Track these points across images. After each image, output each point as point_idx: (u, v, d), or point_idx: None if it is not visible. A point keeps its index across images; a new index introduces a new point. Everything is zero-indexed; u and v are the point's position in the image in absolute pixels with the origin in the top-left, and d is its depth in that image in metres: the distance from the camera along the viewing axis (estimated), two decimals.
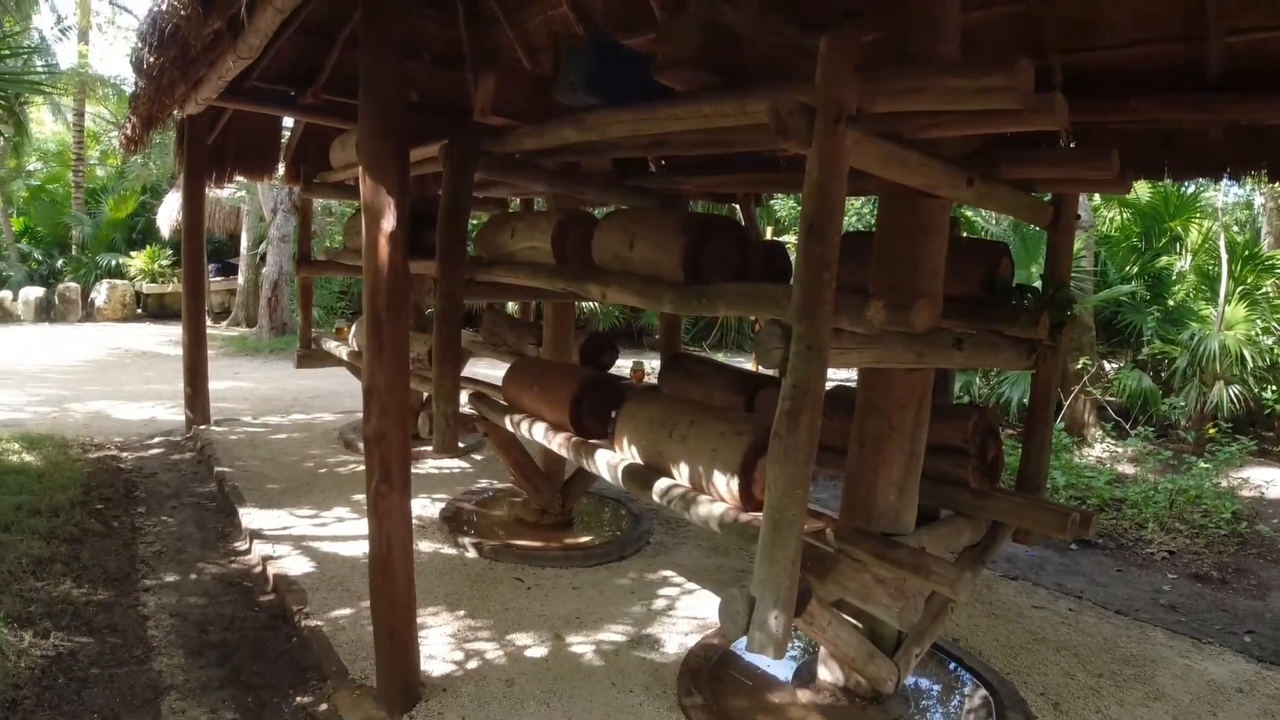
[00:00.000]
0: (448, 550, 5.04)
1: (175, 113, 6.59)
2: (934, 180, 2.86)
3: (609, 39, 3.56)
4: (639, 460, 3.43)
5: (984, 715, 3.61)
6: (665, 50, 3.04)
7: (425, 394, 5.50)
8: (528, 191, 5.90)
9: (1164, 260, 10.65)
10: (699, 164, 4.56)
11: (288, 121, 8.66)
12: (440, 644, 3.87)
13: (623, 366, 6.61)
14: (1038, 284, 4.07)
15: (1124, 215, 11.16)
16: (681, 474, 3.17)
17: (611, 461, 3.50)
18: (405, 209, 3.06)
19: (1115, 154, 3.11)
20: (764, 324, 2.52)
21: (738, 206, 6.20)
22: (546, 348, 5.19)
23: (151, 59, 4.06)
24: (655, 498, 3.18)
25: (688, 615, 4.34)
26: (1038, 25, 3.86)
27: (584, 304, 13.34)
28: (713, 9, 3.01)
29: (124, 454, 7.02)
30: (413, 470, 6.61)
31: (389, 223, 3.01)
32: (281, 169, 8.77)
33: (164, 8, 3.49)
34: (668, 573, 4.91)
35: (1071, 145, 4.12)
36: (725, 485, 2.94)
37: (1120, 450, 8.92)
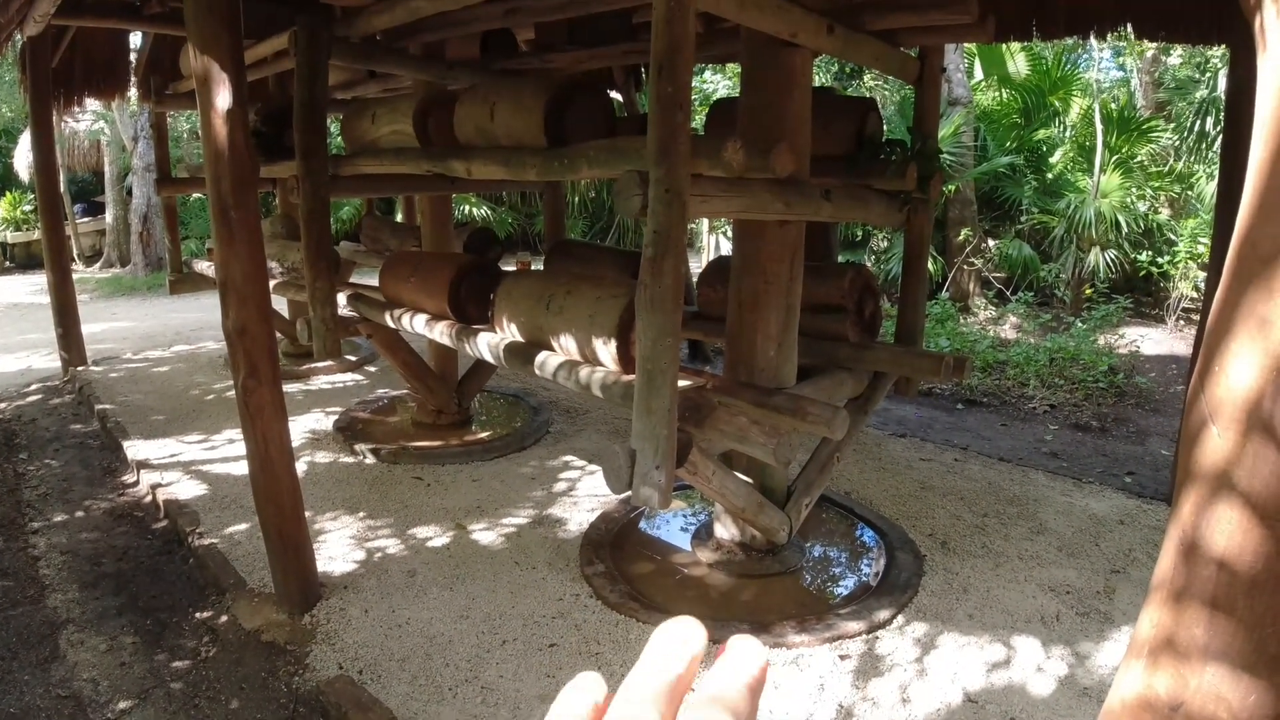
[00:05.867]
0: (344, 459, 4.94)
1: (16, 35, 6.00)
2: (793, 26, 2.82)
3: None
4: (520, 338, 3.37)
5: (875, 556, 3.80)
6: None
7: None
8: (395, 85, 5.63)
9: (1042, 133, 10.88)
10: (569, 39, 4.39)
11: (136, 40, 8.01)
12: (340, 546, 3.83)
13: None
14: None
15: (1005, 93, 11.33)
16: (562, 345, 3.13)
17: (492, 342, 3.43)
18: (243, 84, 2.85)
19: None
20: (622, 174, 2.46)
21: (618, 95, 6.06)
22: (425, 244, 5.02)
23: None
24: (536, 371, 3.15)
25: (589, 494, 4.39)
26: None
27: (477, 213, 13.02)
28: None
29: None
30: (305, 387, 6.51)
31: (223, 99, 2.80)
32: (134, 88, 8.14)
33: None
34: (568, 458, 4.94)
35: None
36: (604, 349, 2.92)
37: (1003, 316, 9.29)
